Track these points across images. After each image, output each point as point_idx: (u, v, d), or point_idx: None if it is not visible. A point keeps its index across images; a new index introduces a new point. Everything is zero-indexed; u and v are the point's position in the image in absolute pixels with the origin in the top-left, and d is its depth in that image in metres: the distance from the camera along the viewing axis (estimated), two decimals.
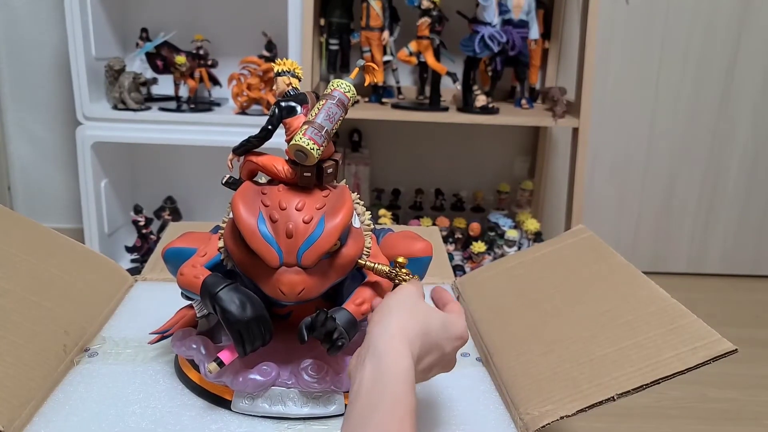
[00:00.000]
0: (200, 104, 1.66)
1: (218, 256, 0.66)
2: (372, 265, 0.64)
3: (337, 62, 1.71)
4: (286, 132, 0.66)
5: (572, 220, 1.63)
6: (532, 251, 0.96)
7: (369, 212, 0.71)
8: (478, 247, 1.66)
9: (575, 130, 1.60)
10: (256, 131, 0.66)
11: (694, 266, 2.07)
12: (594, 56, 1.55)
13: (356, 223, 0.66)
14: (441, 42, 1.58)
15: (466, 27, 1.57)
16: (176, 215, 1.79)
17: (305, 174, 0.63)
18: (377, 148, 1.93)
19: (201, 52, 1.65)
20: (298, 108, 0.66)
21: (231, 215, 0.63)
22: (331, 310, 0.62)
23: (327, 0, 1.67)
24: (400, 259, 0.64)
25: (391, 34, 1.65)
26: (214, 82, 1.69)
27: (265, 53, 1.65)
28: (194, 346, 0.68)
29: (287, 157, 0.66)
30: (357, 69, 0.66)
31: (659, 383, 0.63)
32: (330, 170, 0.65)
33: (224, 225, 0.66)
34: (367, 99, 1.70)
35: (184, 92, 1.65)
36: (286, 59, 0.68)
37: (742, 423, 1.32)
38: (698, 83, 1.91)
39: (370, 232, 0.69)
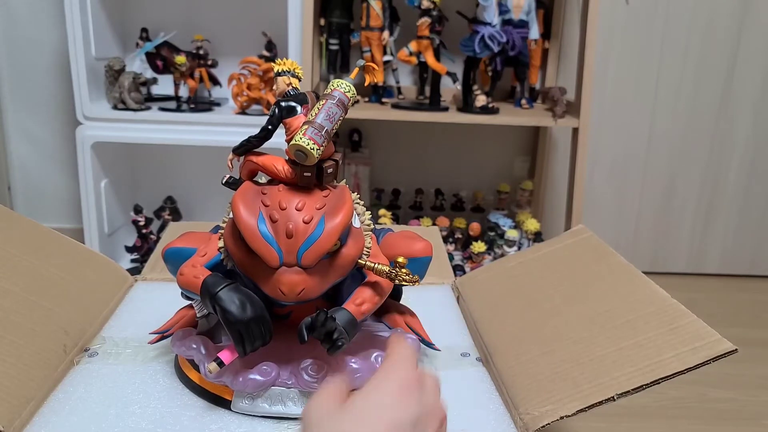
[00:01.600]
0: (200, 104, 1.66)
1: (218, 256, 0.66)
2: (372, 265, 0.64)
3: (337, 62, 1.71)
4: (286, 132, 0.66)
5: (572, 220, 1.63)
6: (532, 251, 0.96)
7: (369, 212, 0.70)
8: (478, 247, 1.66)
9: (575, 130, 1.60)
10: (256, 131, 0.66)
11: (693, 266, 2.08)
12: (594, 56, 1.55)
13: (356, 223, 0.66)
14: (441, 42, 1.58)
15: (466, 27, 1.57)
16: (176, 215, 1.79)
17: (305, 174, 0.63)
18: (377, 148, 1.93)
19: (201, 52, 1.65)
20: (298, 108, 0.66)
21: (231, 215, 0.63)
22: (331, 310, 0.62)
23: (327, 0, 1.67)
24: (400, 259, 0.64)
25: (391, 34, 1.65)
26: (214, 82, 1.69)
27: (265, 53, 1.65)
28: (194, 346, 0.67)
29: (287, 157, 0.65)
30: (357, 69, 0.65)
31: (659, 383, 0.63)
32: (330, 170, 0.65)
33: (224, 225, 0.66)
34: (367, 99, 1.70)
35: (184, 92, 1.65)
36: (286, 59, 0.68)
37: (742, 423, 1.32)
38: (698, 83, 1.91)
39: (370, 232, 0.69)
